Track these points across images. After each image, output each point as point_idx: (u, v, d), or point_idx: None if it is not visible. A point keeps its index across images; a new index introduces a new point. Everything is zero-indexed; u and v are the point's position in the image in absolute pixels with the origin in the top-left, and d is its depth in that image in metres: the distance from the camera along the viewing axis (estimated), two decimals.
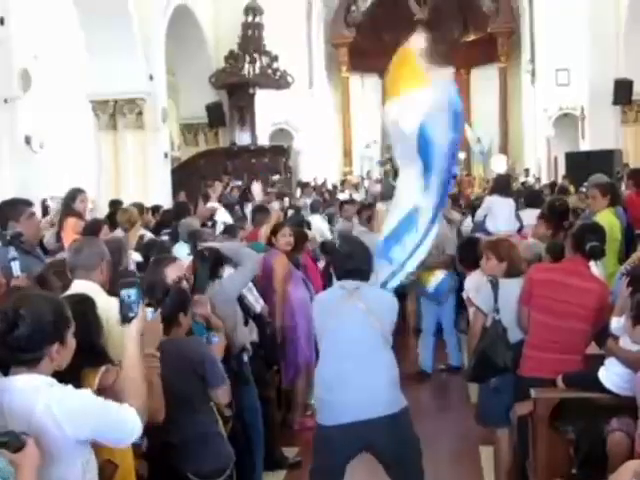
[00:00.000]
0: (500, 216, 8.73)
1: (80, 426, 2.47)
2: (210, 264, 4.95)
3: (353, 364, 4.02)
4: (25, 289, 3.12)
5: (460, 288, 7.24)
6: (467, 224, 10.33)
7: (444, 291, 7.88)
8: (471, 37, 25.09)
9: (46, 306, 2.54)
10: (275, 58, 19.30)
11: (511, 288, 4.88)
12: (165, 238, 7.28)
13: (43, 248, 6.68)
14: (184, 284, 4.45)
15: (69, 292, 3.72)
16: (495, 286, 4.92)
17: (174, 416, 3.56)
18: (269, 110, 20.19)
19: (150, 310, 3.42)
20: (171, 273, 4.25)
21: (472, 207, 11.34)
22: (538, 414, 4.49)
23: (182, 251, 6.16)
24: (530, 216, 7.71)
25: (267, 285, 6.38)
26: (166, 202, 12.80)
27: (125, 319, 2.76)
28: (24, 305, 2.51)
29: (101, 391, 2.89)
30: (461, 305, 8.37)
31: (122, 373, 2.76)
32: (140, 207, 8.27)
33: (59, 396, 2.46)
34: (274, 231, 6.71)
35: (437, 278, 7.81)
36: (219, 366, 3.90)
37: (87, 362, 3.01)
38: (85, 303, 3.24)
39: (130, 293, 2.78)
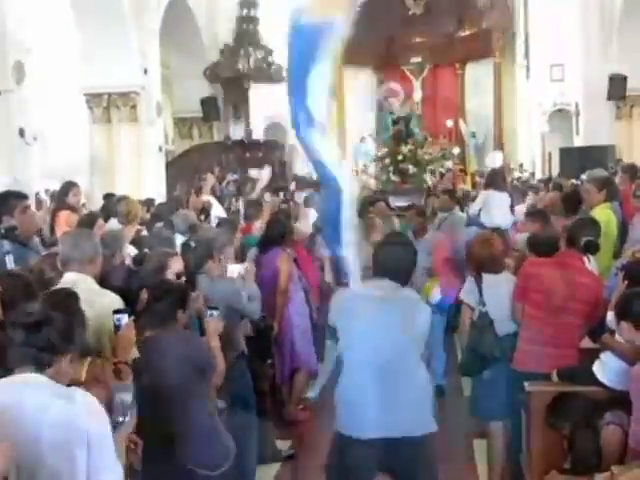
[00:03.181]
0: (495, 210, 8.73)
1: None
2: (197, 257, 4.96)
3: (382, 376, 3.67)
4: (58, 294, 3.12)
5: None
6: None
7: (450, 301, 6.74)
8: (466, 32, 25.05)
9: (77, 317, 2.55)
10: (270, 52, 19.26)
11: (496, 282, 4.91)
12: None
13: (43, 240, 6.67)
14: (182, 279, 4.48)
15: (60, 284, 3.72)
16: (478, 280, 4.95)
17: (173, 408, 3.59)
18: (264, 104, 20.14)
19: (124, 316, 3.42)
20: (172, 266, 4.31)
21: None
22: (533, 407, 4.50)
23: (179, 243, 6.15)
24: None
25: (270, 283, 6.38)
26: (160, 195, 12.78)
27: (115, 424, 2.72)
28: (57, 308, 2.52)
29: (87, 382, 2.90)
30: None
31: None
32: (144, 204, 8.22)
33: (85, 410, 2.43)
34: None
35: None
36: (210, 354, 3.94)
37: None
38: (70, 298, 3.24)
39: (126, 398, 2.77)
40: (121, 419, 2.74)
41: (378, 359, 3.70)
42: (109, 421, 2.61)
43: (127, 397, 2.76)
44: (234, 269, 5.36)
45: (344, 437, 3.77)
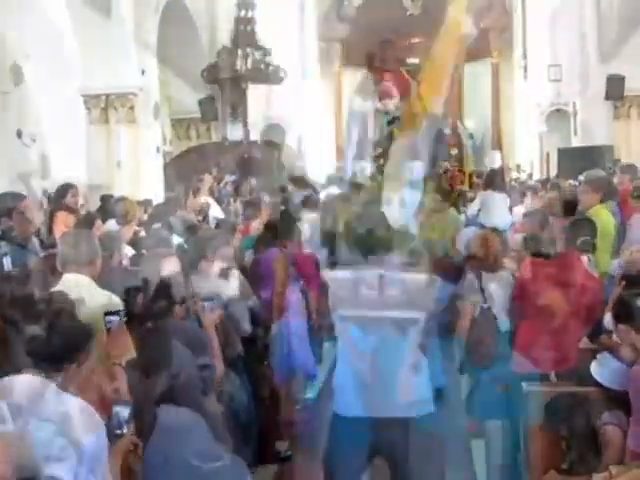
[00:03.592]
0: (494, 210, 8.74)
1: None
2: (190, 257, 4.97)
3: (381, 357, 3.66)
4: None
5: None
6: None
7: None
8: None
9: (79, 325, 2.56)
10: (268, 52, 19.26)
11: (495, 281, 4.91)
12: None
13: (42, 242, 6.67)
14: (179, 279, 4.49)
15: (59, 285, 3.71)
16: (478, 277, 4.95)
17: (174, 401, 3.60)
18: (262, 105, 20.15)
19: (115, 318, 3.42)
20: (167, 266, 4.30)
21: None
22: (531, 408, 4.49)
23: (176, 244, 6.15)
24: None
25: (266, 284, 6.37)
26: (158, 196, 12.77)
27: (112, 436, 2.72)
28: (61, 315, 2.54)
29: (79, 384, 2.90)
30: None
31: None
32: (141, 205, 8.24)
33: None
34: None
35: None
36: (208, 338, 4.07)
37: None
38: (66, 302, 3.24)
39: (124, 412, 2.77)
40: (118, 432, 2.75)
41: (376, 337, 3.68)
42: (106, 433, 2.63)
43: (125, 412, 2.77)
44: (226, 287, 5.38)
45: (336, 415, 3.81)
